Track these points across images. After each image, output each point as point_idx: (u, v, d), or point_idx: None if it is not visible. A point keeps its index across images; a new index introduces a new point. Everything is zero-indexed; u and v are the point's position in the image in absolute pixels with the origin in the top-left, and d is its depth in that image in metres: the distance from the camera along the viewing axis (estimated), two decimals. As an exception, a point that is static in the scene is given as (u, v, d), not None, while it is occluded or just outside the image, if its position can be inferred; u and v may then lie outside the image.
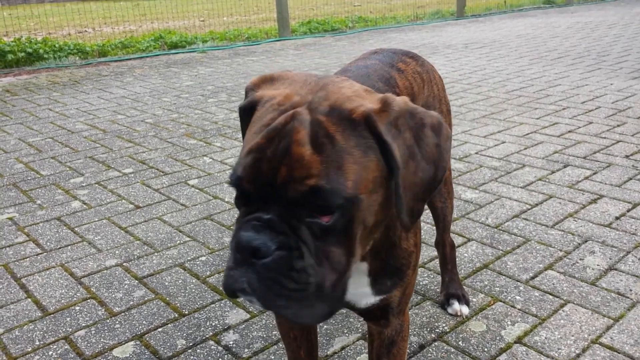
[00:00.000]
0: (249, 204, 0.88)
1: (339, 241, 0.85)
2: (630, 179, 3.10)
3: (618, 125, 4.04)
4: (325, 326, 1.97)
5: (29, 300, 2.19)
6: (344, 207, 0.82)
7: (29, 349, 1.90)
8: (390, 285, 1.15)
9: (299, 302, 0.84)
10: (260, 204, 0.86)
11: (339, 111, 0.85)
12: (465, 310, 2.02)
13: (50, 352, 1.89)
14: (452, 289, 2.07)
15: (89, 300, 2.18)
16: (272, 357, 1.83)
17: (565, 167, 3.32)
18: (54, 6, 15.49)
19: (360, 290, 1.14)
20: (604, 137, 3.80)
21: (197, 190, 3.16)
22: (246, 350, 1.87)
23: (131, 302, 2.16)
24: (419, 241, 1.21)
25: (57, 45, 7.77)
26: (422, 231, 1.32)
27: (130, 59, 7.73)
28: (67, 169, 3.56)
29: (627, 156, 3.43)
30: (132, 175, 3.43)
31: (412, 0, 15.79)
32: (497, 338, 1.89)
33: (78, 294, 2.22)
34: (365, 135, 0.85)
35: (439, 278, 2.21)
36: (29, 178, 3.42)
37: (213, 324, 2.01)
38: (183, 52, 8.21)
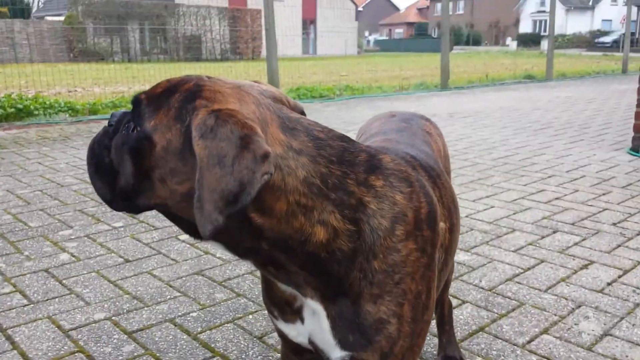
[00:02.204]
0: None
1: (132, 162, 1.00)
2: (619, 245, 3.14)
3: (604, 194, 4.12)
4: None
5: (15, 352, 2.11)
6: (140, 131, 0.98)
7: (12, 404, 1.82)
8: (354, 341, 1.08)
9: (96, 171, 1.09)
10: None
11: (199, 90, 0.99)
12: (463, 372, 1.99)
13: (34, 407, 1.81)
14: (450, 351, 2.04)
15: (76, 354, 2.11)
16: (267, 416, 1.77)
17: (554, 232, 3.36)
18: (45, 66, 15.68)
19: (323, 336, 1.12)
20: (591, 205, 3.87)
21: (187, 245, 3.13)
22: (240, 408, 1.81)
23: (120, 358, 2.09)
24: (409, 315, 1.09)
25: (47, 103, 7.83)
26: None
27: (120, 118, 7.77)
28: (56, 221, 3.51)
29: (614, 224, 3.49)
30: (122, 229, 3.39)
31: (397, 73, 16.25)
32: (497, 401, 1.85)
33: (65, 347, 2.15)
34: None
35: (436, 340, 2.18)
36: (17, 229, 3.37)
37: (205, 380, 1.95)
38: (173, 113, 8.28)
